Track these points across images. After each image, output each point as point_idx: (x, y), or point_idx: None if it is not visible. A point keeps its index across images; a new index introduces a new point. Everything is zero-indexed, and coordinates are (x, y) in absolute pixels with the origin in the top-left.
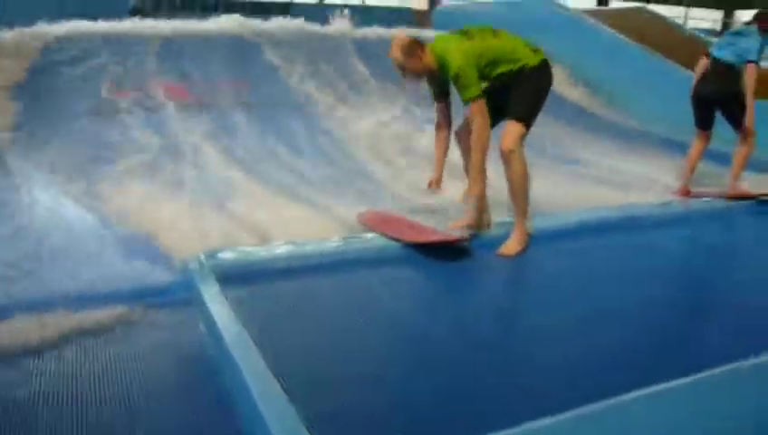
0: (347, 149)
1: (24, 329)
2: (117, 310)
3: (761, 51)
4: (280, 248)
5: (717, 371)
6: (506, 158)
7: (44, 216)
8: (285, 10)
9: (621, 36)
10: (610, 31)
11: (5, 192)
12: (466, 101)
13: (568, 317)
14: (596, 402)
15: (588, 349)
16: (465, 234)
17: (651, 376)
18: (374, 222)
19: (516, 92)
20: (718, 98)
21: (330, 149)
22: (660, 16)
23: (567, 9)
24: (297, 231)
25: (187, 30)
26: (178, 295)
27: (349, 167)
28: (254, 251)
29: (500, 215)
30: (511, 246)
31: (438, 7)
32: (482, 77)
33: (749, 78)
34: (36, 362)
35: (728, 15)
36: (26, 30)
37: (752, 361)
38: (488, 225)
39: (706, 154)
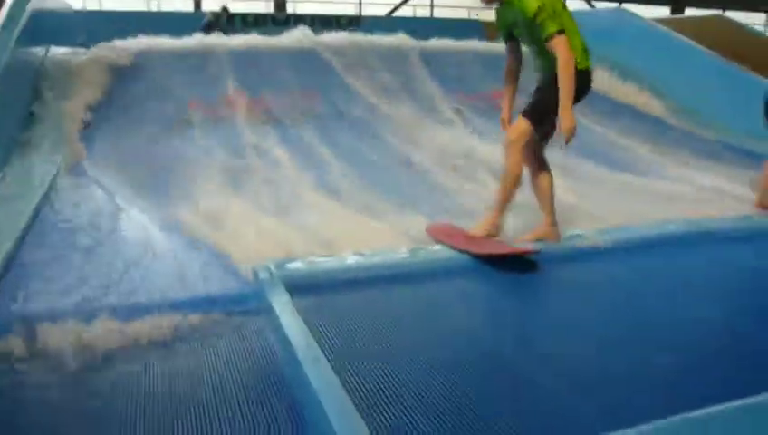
0: (414, 161)
1: (102, 336)
2: (188, 319)
3: None
4: (348, 259)
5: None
6: (505, 147)
7: (120, 226)
8: (355, 22)
9: (695, 44)
10: (684, 39)
11: (85, 202)
12: (549, 37)
13: (640, 333)
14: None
15: (664, 366)
16: (536, 247)
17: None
18: (442, 234)
19: (547, 89)
20: None
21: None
22: (738, 24)
23: (640, 18)
24: (367, 244)
25: (259, 44)
26: (248, 305)
27: (418, 179)
28: (323, 262)
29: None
30: (472, 229)
31: None
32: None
33: None
34: (115, 367)
35: None
36: (106, 45)
37: None
38: (558, 237)
39: None
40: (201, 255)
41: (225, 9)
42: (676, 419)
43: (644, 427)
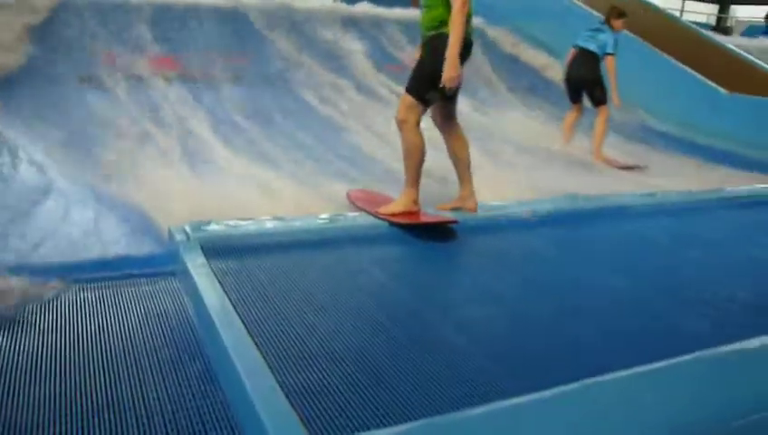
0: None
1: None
2: (100, 278)
3: (615, 44)
4: (267, 223)
5: (690, 356)
6: (399, 127)
7: (31, 179)
8: None
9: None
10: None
11: None
12: None
13: (551, 301)
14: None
15: (569, 335)
16: (454, 217)
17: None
18: (363, 201)
19: (425, 61)
20: (583, 79)
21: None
22: (656, 7)
23: None
24: (284, 206)
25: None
26: (163, 266)
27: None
28: (240, 224)
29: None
30: (390, 206)
31: None
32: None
33: (609, 65)
34: (15, 326)
35: (723, 11)
36: None
37: (732, 346)
38: (474, 206)
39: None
40: (114, 213)
41: None
42: (576, 385)
43: (548, 392)
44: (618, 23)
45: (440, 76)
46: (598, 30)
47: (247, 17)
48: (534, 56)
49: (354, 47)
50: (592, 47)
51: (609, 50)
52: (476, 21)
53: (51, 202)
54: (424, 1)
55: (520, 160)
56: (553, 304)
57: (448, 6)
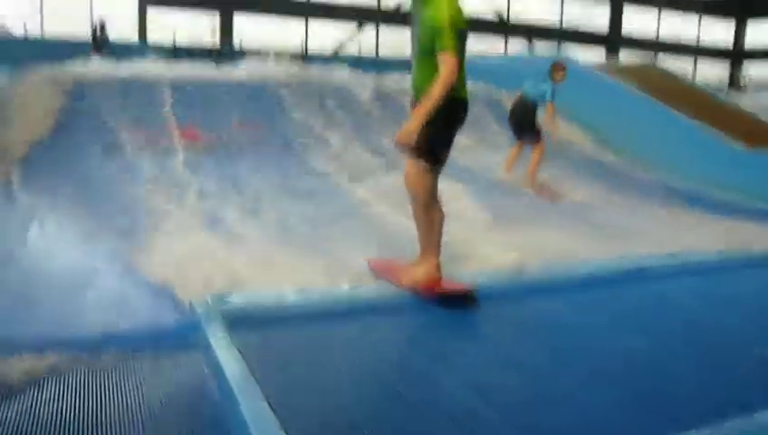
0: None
1: (27, 365)
2: (121, 351)
3: (553, 93)
4: (288, 294)
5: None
6: (411, 196)
7: (51, 250)
8: (300, 58)
9: (630, 87)
10: (619, 83)
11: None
12: (443, 50)
13: (573, 368)
14: None
15: (592, 402)
16: (473, 284)
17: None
18: (384, 270)
19: (426, 126)
20: (520, 123)
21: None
22: (670, 72)
23: (578, 62)
24: (304, 277)
25: (203, 76)
26: (185, 338)
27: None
28: (262, 296)
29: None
30: (412, 274)
31: None
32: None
33: (549, 111)
34: (39, 398)
35: (735, 69)
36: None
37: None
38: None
39: None
40: (134, 285)
41: (101, 25)
42: None
43: None
44: (558, 75)
45: (439, 135)
46: (541, 81)
47: (269, 89)
48: None
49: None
50: (532, 96)
51: (548, 98)
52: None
53: (70, 273)
54: (416, 57)
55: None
56: (575, 370)
57: (430, 71)
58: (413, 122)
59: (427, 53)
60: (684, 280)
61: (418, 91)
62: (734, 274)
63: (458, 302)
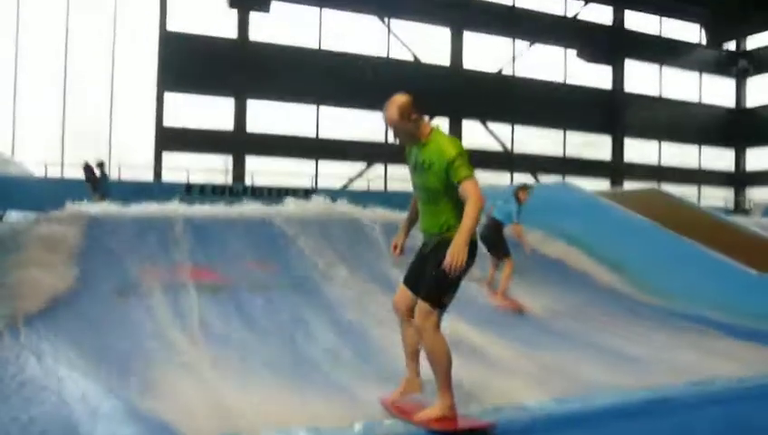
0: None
1: None
2: None
3: (519, 214)
4: (300, 433)
5: None
6: (419, 333)
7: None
8: (307, 195)
9: (636, 215)
10: (625, 210)
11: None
12: (463, 179)
13: None
14: None
15: None
16: (492, 420)
17: None
18: (398, 409)
19: (434, 265)
20: (489, 241)
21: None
22: (674, 196)
23: (582, 190)
24: (320, 419)
25: (216, 213)
26: None
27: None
28: None
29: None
30: (427, 411)
31: None
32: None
33: (515, 231)
34: None
35: (738, 194)
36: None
37: None
38: (418, 388)
39: None
40: (146, 430)
41: (99, 165)
42: None
43: None
44: (522, 196)
45: (459, 279)
46: (507, 202)
47: (276, 225)
48: None
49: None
50: (499, 217)
51: (514, 219)
52: None
53: (75, 413)
54: (426, 203)
55: None
56: None
57: (457, 209)
58: (460, 246)
59: (436, 195)
60: (708, 410)
61: (433, 233)
62: (757, 401)
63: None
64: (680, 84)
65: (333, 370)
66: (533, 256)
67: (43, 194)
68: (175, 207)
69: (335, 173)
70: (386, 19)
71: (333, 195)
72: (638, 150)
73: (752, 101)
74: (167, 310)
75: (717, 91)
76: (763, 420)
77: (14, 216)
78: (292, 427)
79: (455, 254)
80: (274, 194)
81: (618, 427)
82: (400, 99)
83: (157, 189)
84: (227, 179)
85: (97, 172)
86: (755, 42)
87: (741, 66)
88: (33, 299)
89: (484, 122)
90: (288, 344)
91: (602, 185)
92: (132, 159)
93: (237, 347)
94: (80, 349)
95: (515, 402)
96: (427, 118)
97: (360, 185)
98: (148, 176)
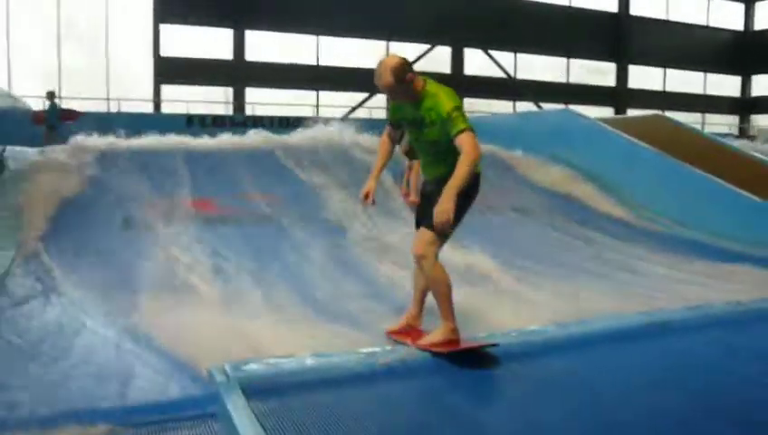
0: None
1: None
2: (139, 422)
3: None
4: (307, 360)
5: None
6: (418, 263)
7: (69, 321)
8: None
9: (639, 142)
10: (628, 137)
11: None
12: (459, 132)
13: (594, 427)
14: None
15: None
16: (493, 340)
17: None
18: (402, 335)
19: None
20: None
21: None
22: (678, 122)
23: (585, 117)
24: (326, 348)
25: (218, 144)
26: (203, 408)
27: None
28: (280, 362)
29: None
30: (429, 336)
31: None
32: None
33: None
34: None
35: (743, 120)
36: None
37: None
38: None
39: None
40: (153, 357)
41: (49, 96)
42: None
43: None
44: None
45: (458, 212)
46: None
47: (279, 156)
48: None
49: None
50: None
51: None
52: None
53: (87, 344)
54: (427, 155)
55: None
56: (595, 429)
57: (455, 159)
58: (447, 203)
59: (436, 146)
60: (707, 333)
61: (436, 179)
62: (754, 325)
63: (477, 357)
64: (687, 6)
65: (339, 302)
66: (530, 182)
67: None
68: (176, 140)
69: (337, 103)
70: None
71: (335, 124)
72: (643, 77)
73: (760, 23)
74: (172, 243)
75: (726, 13)
76: (761, 343)
77: (15, 151)
78: (299, 354)
79: (441, 213)
80: (276, 124)
81: (616, 349)
82: (392, 61)
83: (157, 121)
84: (228, 111)
85: (46, 104)
86: None
87: None
88: (38, 231)
89: (486, 50)
90: (293, 276)
91: (606, 112)
92: (131, 92)
93: (243, 280)
94: (87, 282)
95: (516, 327)
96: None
97: (361, 114)
98: (148, 108)
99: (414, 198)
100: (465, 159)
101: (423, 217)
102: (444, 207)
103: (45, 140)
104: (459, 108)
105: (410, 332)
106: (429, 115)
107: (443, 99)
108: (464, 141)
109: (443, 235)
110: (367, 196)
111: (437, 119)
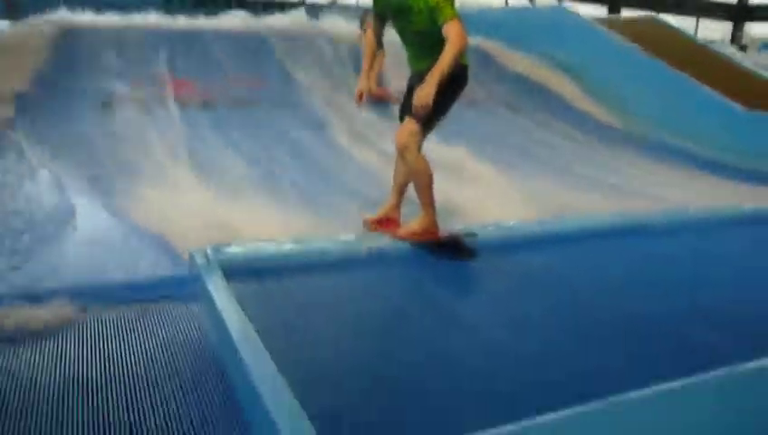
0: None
1: (25, 317)
2: (120, 302)
3: None
4: (287, 245)
5: (716, 373)
6: (401, 153)
7: (49, 202)
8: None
9: (631, 45)
10: (620, 38)
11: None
12: (446, 20)
13: (569, 322)
14: (590, 403)
15: (585, 353)
16: (472, 230)
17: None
18: (381, 225)
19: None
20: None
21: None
22: (671, 26)
23: (578, 16)
24: (302, 231)
25: (199, 25)
26: (184, 289)
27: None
28: (261, 246)
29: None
30: (409, 226)
31: None
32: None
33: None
34: (39, 349)
35: (738, 28)
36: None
37: (752, 364)
38: (397, 219)
39: None
40: (132, 237)
41: None
42: (599, 403)
43: (570, 410)
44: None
45: (443, 102)
46: None
47: (265, 42)
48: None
49: None
50: None
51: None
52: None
53: (68, 225)
54: (413, 45)
55: None
56: (572, 324)
57: (442, 51)
58: (429, 87)
59: (423, 37)
60: (683, 236)
61: (420, 72)
62: (725, 230)
63: (456, 250)
64: None
65: (318, 188)
66: (518, 79)
67: None
68: (154, 19)
69: None
70: None
71: (321, 10)
72: None
73: None
74: (150, 125)
75: None
76: (733, 247)
77: None
78: (279, 239)
79: (422, 96)
80: (260, 7)
81: (594, 248)
82: None
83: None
84: None
85: None
86: None
87: None
88: (10, 108)
89: None
90: (272, 162)
91: (600, 11)
92: None
93: (222, 165)
94: (64, 161)
95: (496, 222)
96: None
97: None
98: None
99: (377, 90)
100: (449, 47)
101: (407, 108)
102: (425, 90)
103: (8, 14)
104: None
105: (388, 222)
106: (417, 3)
107: None
108: (450, 30)
109: (428, 125)
110: (361, 96)
111: (425, 7)
